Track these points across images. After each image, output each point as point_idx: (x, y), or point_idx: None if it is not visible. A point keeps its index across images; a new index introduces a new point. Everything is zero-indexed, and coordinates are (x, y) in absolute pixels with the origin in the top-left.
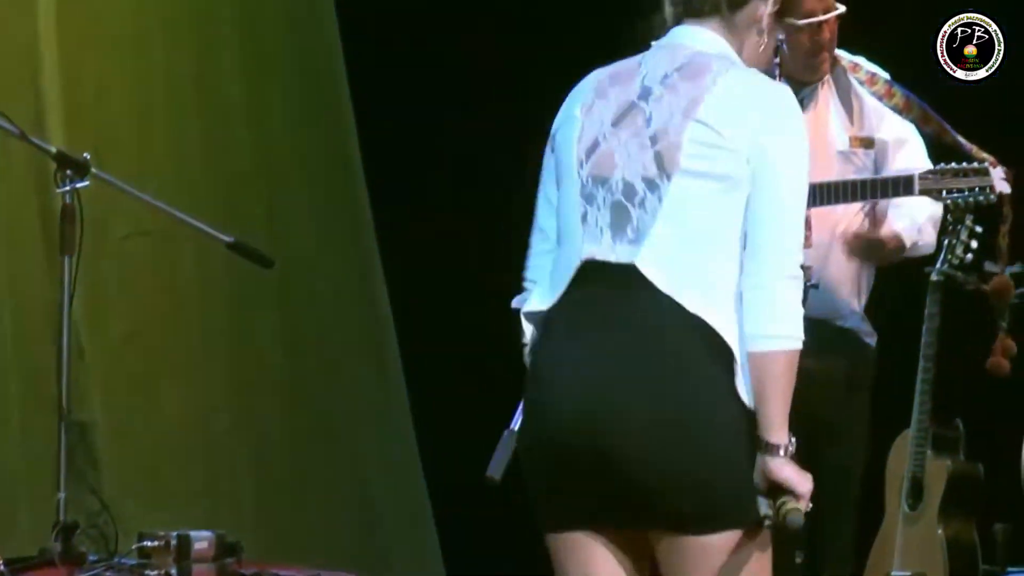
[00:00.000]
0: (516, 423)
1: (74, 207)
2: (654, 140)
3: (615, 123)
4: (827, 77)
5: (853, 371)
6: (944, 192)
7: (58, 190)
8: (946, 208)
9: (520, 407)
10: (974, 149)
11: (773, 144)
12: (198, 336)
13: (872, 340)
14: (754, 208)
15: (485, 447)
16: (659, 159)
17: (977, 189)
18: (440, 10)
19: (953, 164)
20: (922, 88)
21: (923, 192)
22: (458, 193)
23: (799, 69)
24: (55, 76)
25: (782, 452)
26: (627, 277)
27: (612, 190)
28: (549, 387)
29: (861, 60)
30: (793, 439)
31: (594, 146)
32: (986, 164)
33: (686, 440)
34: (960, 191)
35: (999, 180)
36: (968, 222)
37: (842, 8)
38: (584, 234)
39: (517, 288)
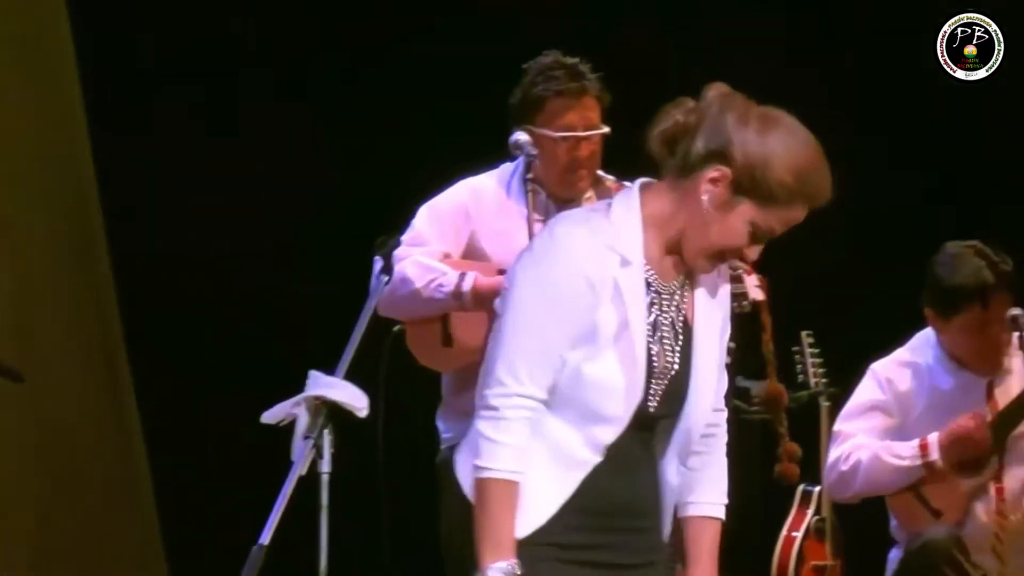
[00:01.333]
0: (265, 538)
1: None
2: None
3: None
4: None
5: None
6: None
7: None
8: None
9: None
10: None
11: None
12: None
13: None
14: None
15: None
16: None
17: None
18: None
19: None
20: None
21: None
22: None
23: (554, 184)
24: None
25: None
26: None
27: None
28: None
29: (609, 177)
30: (495, 566)
31: None
32: (740, 271)
33: None
34: None
35: (753, 287)
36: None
37: (604, 129)
38: None
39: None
